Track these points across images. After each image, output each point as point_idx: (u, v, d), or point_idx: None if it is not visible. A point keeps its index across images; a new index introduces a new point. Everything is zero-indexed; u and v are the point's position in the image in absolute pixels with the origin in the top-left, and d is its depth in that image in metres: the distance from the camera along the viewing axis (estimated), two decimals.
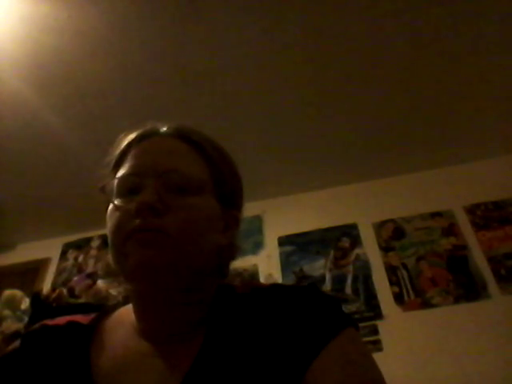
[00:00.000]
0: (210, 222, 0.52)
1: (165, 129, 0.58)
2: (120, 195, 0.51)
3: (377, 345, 2.21)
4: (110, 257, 0.53)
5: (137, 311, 0.53)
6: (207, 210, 0.52)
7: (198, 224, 0.50)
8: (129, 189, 0.51)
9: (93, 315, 0.58)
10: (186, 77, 2.13)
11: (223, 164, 0.57)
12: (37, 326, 0.57)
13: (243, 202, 0.62)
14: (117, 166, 0.56)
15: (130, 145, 0.57)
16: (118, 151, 0.57)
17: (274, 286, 0.54)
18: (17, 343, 0.55)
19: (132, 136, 0.58)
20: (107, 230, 0.52)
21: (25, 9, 1.78)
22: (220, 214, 0.54)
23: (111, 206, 0.51)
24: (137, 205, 0.48)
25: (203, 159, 0.55)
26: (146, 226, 0.47)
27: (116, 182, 0.52)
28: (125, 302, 0.58)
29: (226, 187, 0.56)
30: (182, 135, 0.56)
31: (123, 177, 0.52)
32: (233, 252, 0.58)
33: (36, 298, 1.94)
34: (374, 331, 2.28)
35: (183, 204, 0.50)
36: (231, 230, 0.57)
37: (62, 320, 0.56)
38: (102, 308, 0.60)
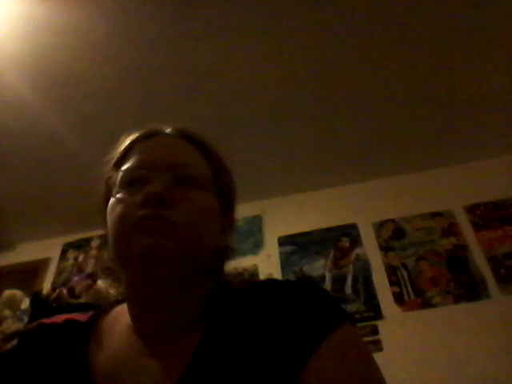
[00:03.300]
0: (211, 219, 0.54)
1: (168, 130, 0.60)
2: (124, 188, 0.52)
3: (377, 345, 2.21)
4: (109, 253, 0.53)
5: (132, 310, 0.53)
6: (210, 205, 0.54)
7: (202, 217, 0.52)
8: (134, 182, 0.52)
9: (90, 313, 0.58)
10: (185, 76, 2.13)
11: (222, 165, 0.60)
12: (34, 324, 0.57)
13: (235, 207, 0.64)
14: (119, 163, 0.57)
15: (133, 143, 0.58)
16: (120, 149, 0.59)
17: (270, 282, 0.54)
18: (14, 342, 0.55)
19: (135, 135, 0.59)
20: (109, 223, 0.52)
21: (25, 9, 1.78)
22: (219, 213, 0.56)
23: (114, 198, 0.52)
24: (145, 195, 0.49)
25: (205, 158, 0.57)
26: (153, 214, 0.48)
27: (121, 174, 0.53)
28: (122, 300, 0.58)
29: (225, 187, 0.58)
30: (185, 135, 0.59)
31: (129, 169, 0.53)
32: (228, 253, 0.59)
33: (36, 298, 1.94)
34: (374, 331, 2.28)
35: (189, 197, 0.51)
36: (227, 233, 0.59)
37: (59, 318, 0.56)
38: (100, 306, 0.60)
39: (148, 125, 0.60)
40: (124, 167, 0.54)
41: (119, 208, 0.50)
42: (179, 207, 0.49)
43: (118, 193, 0.52)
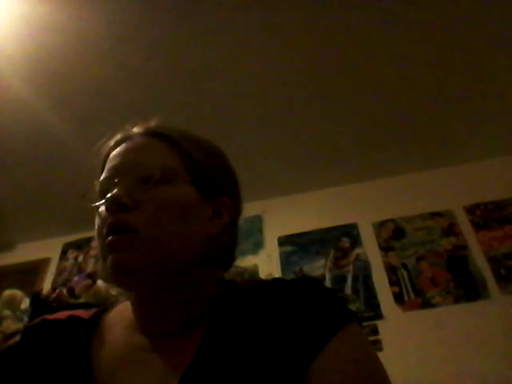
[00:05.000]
0: (186, 210, 0.51)
1: (135, 131, 0.59)
2: (101, 200, 0.53)
3: (377, 345, 2.21)
4: None
5: (133, 309, 0.53)
6: (180, 197, 0.51)
7: (170, 213, 0.50)
8: (105, 192, 0.52)
9: (94, 310, 0.58)
10: (185, 76, 2.13)
11: (196, 151, 0.56)
12: (37, 320, 0.57)
13: (238, 189, 0.62)
14: (100, 175, 0.57)
15: (108, 153, 0.58)
16: (100, 161, 0.59)
17: (276, 281, 0.54)
18: (17, 337, 0.56)
19: (108, 145, 0.59)
20: None
21: (25, 9, 1.78)
22: (200, 201, 0.53)
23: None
24: (106, 202, 0.49)
25: (173, 149, 0.55)
26: (115, 223, 0.48)
27: (97, 188, 0.55)
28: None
29: (203, 174, 0.55)
30: (150, 132, 0.57)
31: (100, 182, 0.54)
32: (227, 238, 0.56)
33: (36, 298, 1.94)
34: (374, 331, 2.28)
35: (153, 195, 0.50)
36: (222, 217, 0.56)
37: (62, 314, 0.57)
38: (102, 305, 0.60)
39: (120, 130, 0.60)
40: (99, 179, 0.56)
41: (96, 222, 0.52)
42: (143, 208, 0.49)
43: (99, 206, 0.53)
